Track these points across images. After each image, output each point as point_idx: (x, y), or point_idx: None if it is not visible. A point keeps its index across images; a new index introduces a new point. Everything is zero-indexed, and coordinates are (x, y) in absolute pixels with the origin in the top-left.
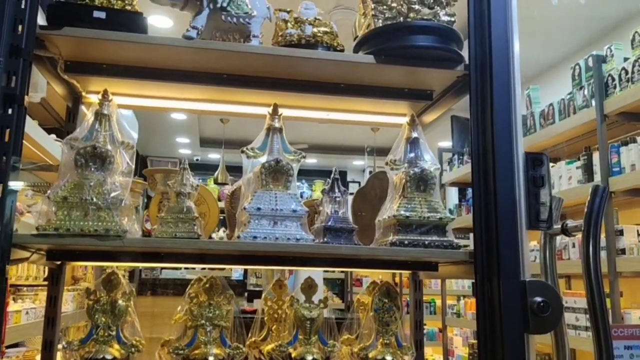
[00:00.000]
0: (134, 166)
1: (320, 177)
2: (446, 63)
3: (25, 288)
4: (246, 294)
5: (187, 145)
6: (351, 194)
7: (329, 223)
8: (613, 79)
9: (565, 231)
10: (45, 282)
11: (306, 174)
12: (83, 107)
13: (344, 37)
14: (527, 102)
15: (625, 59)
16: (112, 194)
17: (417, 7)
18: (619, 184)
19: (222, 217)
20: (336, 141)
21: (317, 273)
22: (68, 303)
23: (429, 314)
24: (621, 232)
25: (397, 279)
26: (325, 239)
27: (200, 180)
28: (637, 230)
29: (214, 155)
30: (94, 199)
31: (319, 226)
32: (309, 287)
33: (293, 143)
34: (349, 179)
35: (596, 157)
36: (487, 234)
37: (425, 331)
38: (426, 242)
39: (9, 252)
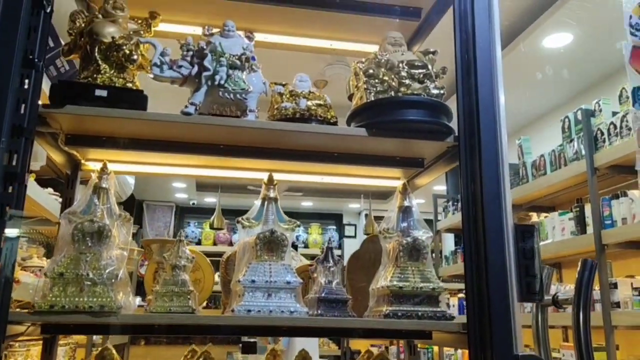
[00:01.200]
0: (130, 238)
1: (316, 220)
2: (436, 135)
3: (17, 344)
4: (240, 344)
5: (183, 190)
6: (347, 236)
7: (323, 294)
8: (602, 133)
9: (556, 303)
10: (38, 337)
11: (302, 217)
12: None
13: (339, 92)
14: (518, 152)
15: (614, 114)
16: (108, 269)
17: (407, 81)
18: (612, 237)
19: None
20: (332, 185)
21: (312, 342)
22: (59, 358)
23: None
24: (615, 285)
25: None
26: (319, 311)
27: (196, 224)
28: (632, 284)
29: (210, 199)
30: (90, 275)
31: (312, 297)
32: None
33: (289, 190)
34: (344, 221)
35: (588, 209)
36: (480, 306)
37: None
38: (419, 313)
39: (4, 331)
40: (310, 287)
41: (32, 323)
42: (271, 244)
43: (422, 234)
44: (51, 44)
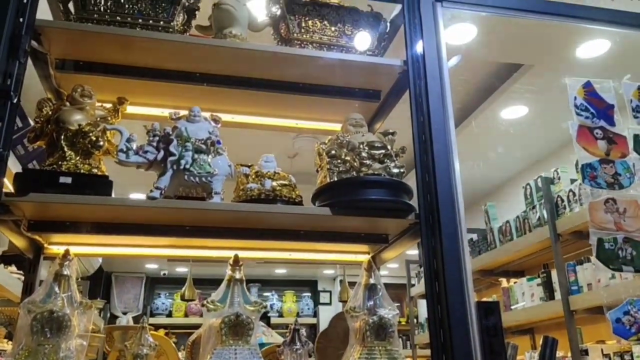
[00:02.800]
0: (91, 326)
1: (291, 287)
2: (398, 213)
3: None
4: None
5: (154, 260)
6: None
7: None
8: (562, 200)
9: None
10: None
11: (276, 284)
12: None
13: (307, 163)
14: (485, 218)
15: (572, 181)
16: None
17: (368, 162)
18: (579, 302)
19: None
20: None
21: None
22: None
23: None
24: (586, 352)
25: None
26: None
27: (167, 295)
28: (602, 350)
29: (181, 269)
30: None
31: None
32: None
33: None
34: (319, 288)
35: (554, 274)
36: None
37: None
38: None
39: None
40: None
41: None
42: (237, 328)
43: (388, 312)
44: (19, 124)
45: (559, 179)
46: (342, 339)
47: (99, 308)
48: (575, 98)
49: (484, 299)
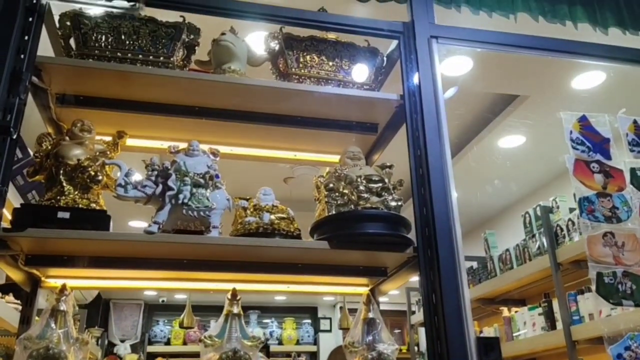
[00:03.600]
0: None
1: (291, 313)
2: (396, 247)
3: None
4: None
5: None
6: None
7: None
8: (562, 229)
9: None
10: None
11: (276, 310)
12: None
13: (306, 189)
14: (485, 246)
15: (571, 210)
16: None
17: (366, 195)
18: (581, 333)
19: None
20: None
21: None
22: None
23: None
24: None
25: None
26: None
27: (166, 322)
28: None
29: (180, 296)
30: None
31: None
32: None
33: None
34: (319, 315)
35: (556, 304)
36: None
37: None
38: None
39: None
40: None
41: None
42: None
43: (387, 347)
44: (19, 154)
45: (558, 207)
46: None
47: (96, 337)
48: (571, 132)
49: (485, 328)
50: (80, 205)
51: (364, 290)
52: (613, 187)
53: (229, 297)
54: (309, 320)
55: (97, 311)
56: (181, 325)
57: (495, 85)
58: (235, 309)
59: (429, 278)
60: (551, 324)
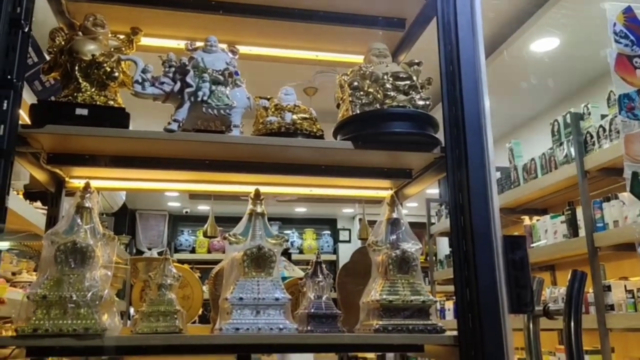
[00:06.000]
0: (115, 258)
1: (311, 225)
2: (423, 147)
3: None
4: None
5: (176, 199)
6: (342, 241)
7: (312, 310)
8: (592, 136)
9: (547, 314)
10: None
11: (296, 222)
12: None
13: (328, 98)
14: (509, 155)
15: (603, 117)
16: (92, 291)
17: (392, 93)
18: (604, 239)
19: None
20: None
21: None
22: None
23: None
24: (609, 288)
25: None
26: (309, 327)
27: (190, 232)
28: (625, 286)
29: (203, 207)
30: (73, 297)
31: (302, 312)
32: None
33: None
34: (339, 226)
35: (580, 212)
36: (471, 319)
37: None
38: (410, 327)
39: None
40: (301, 301)
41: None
42: (259, 260)
43: (411, 246)
44: (35, 59)
45: (589, 114)
46: (363, 274)
47: (124, 243)
48: (614, 24)
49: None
50: (98, 103)
51: (387, 193)
52: None
53: (252, 197)
54: (329, 231)
55: (124, 221)
56: (205, 235)
57: None
58: (259, 209)
59: (456, 178)
60: (573, 231)
